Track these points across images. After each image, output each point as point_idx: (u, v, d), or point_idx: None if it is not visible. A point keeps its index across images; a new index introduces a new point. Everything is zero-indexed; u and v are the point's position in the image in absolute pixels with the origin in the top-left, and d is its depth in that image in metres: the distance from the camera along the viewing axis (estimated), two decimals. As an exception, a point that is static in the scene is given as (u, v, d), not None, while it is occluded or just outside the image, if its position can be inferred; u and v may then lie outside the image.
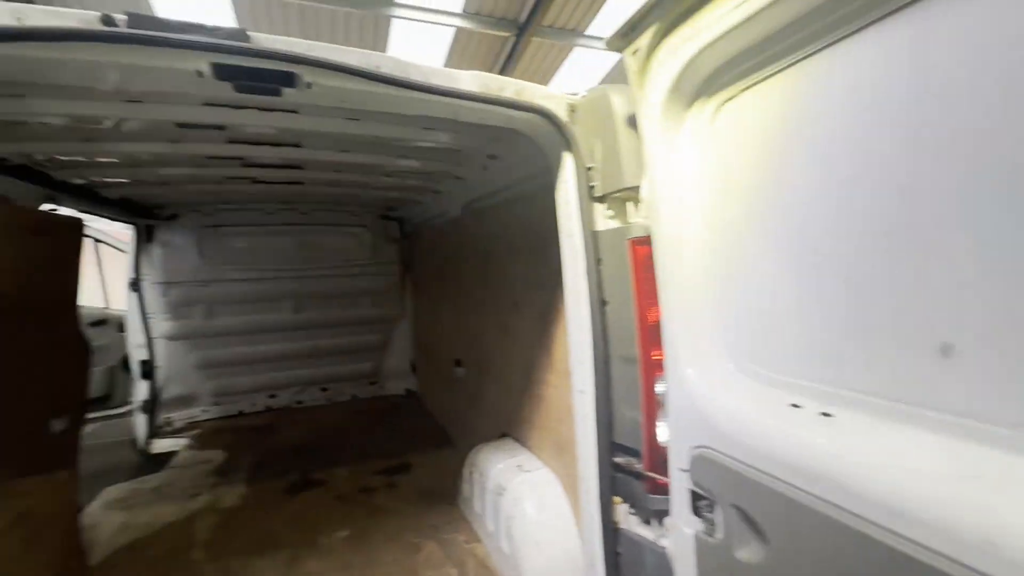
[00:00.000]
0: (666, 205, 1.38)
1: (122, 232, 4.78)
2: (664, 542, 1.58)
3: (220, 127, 2.13)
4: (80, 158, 2.48)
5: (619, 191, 1.63)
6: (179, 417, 4.77)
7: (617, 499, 1.71)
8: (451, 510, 2.93)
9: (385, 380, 5.59)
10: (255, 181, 3.54)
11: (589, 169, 1.71)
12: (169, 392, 4.69)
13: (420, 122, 2.18)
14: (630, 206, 1.65)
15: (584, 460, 1.77)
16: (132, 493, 3.34)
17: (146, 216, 4.37)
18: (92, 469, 3.40)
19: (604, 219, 1.73)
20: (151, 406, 4.54)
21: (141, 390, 4.55)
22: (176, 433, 4.60)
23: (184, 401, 4.80)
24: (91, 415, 3.36)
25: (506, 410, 2.91)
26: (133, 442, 4.57)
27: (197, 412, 4.86)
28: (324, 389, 5.35)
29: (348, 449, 3.99)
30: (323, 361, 5.26)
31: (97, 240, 5.21)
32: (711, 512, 1.27)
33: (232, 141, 2.46)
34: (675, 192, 1.37)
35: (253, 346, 4.95)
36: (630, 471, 1.65)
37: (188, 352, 4.74)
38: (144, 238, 4.49)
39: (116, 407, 4.82)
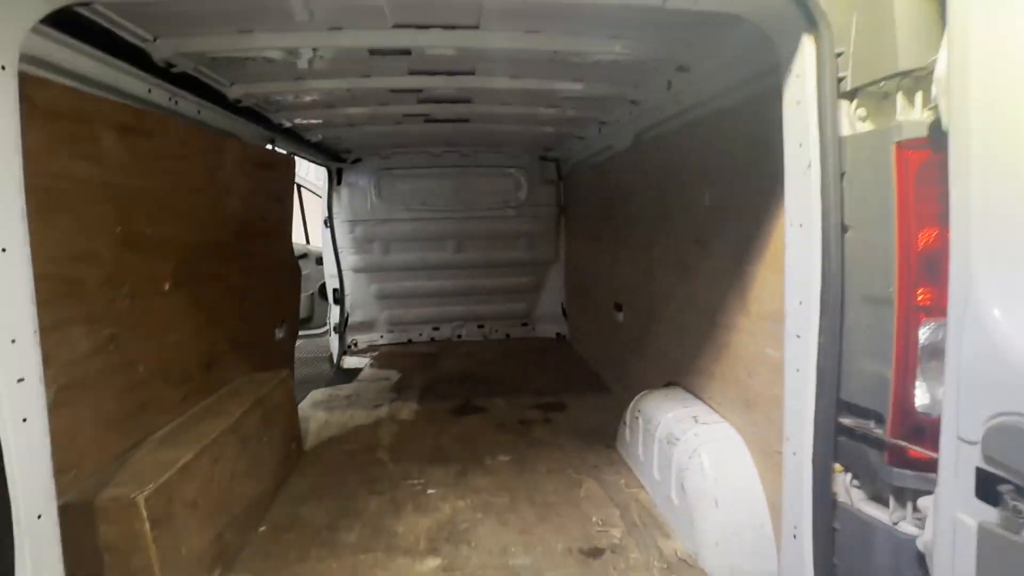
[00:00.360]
0: (983, 87, 0.98)
1: (318, 180, 5.48)
2: (906, 527, 1.27)
3: (406, 51, 2.15)
4: (290, 97, 2.76)
5: (885, 79, 1.23)
6: (362, 340, 5.45)
7: (838, 467, 1.42)
8: (609, 453, 2.86)
9: (536, 322, 5.69)
10: (427, 120, 3.67)
11: (838, 55, 1.32)
12: (355, 317, 5.37)
13: (607, 26, 1.94)
14: (899, 100, 1.24)
15: (794, 417, 1.49)
16: (331, 397, 3.92)
17: (336, 159, 4.88)
18: (301, 376, 4.07)
19: (853, 121, 1.35)
20: (342, 328, 5.25)
21: (334, 314, 5.28)
22: (360, 353, 5.29)
23: (366, 327, 5.45)
24: (299, 333, 3.96)
25: (676, 357, 2.68)
26: (329, 358, 5.38)
27: (376, 337, 5.50)
28: (480, 326, 5.65)
29: (505, 382, 4.15)
30: (480, 299, 5.52)
31: (299, 185, 6.06)
32: (1016, 499, 0.94)
33: (413, 72, 2.52)
34: (1003, 66, 0.96)
35: (420, 281, 5.37)
36: (863, 436, 1.34)
37: (369, 284, 5.33)
38: (335, 181, 5.06)
39: (316, 328, 5.71)
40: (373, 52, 2.13)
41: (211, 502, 1.92)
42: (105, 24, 1.68)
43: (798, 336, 1.46)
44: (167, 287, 2.12)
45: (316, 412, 3.60)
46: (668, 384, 2.72)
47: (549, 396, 3.79)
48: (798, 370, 1.46)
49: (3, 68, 1.20)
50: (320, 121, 3.48)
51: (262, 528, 2.26)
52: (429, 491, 2.52)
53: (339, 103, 3.07)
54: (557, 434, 3.15)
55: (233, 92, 2.53)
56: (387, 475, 2.69)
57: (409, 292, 5.40)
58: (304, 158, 4.20)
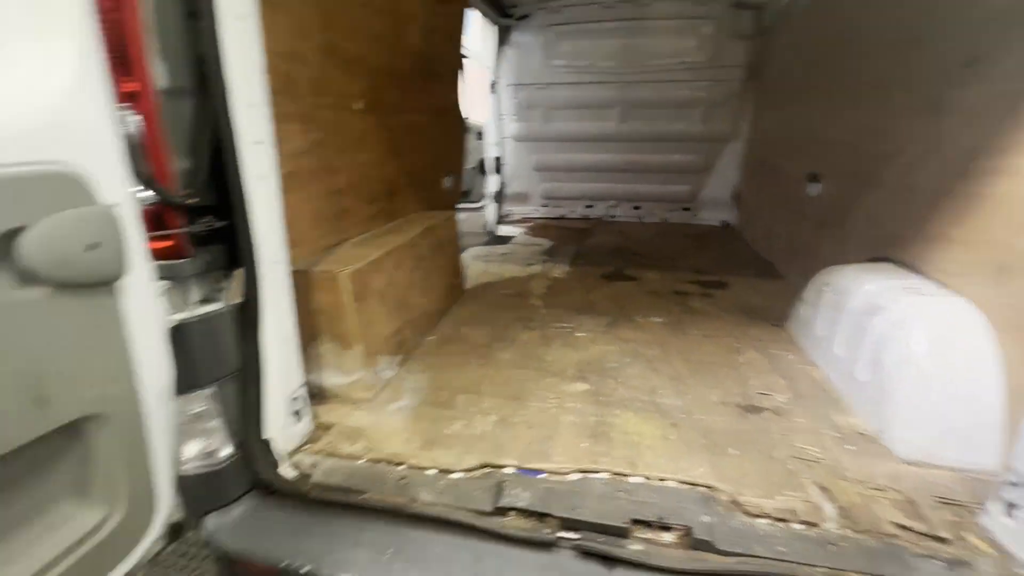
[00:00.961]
0: None
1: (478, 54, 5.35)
2: None
3: None
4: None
5: None
6: (516, 211, 5.58)
7: None
8: (778, 331, 2.58)
9: (699, 208, 5.19)
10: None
11: None
12: (511, 188, 5.46)
13: None
14: None
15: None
16: (488, 253, 4.15)
17: (503, 15, 4.67)
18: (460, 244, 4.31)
19: None
20: (499, 196, 5.41)
21: (492, 183, 5.43)
22: (514, 223, 5.45)
23: (521, 198, 5.54)
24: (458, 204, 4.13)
25: (893, 228, 2.19)
26: (484, 226, 5.65)
27: (530, 210, 5.58)
28: (636, 207, 5.35)
29: (660, 258, 3.95)
30: (639, 177, 5.16)
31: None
32: None
33: None
34: None
35: (579, 154, 5.17)
36: None
37: (528, 154, 5.30)
38: (502, 40, 4.89)
39: (474, 202, 5.98)
40: None
41: (393, 299, 2.20)
42: None
43: None
44: (359, 107, 2.29)
45: (475, 263, 3.85)
46: (872, 260, 2.28)
47: (709, 274, 3.52)
48: None
49: None
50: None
51: (431, 337, 2.56)
52: (578, 334, 2.58)
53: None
54: (716, 307, 2.93)
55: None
56: (539, 316, 2.81)
57: (566, 165, 5.26)
58: (475, 7, 4.07)
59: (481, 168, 5.68)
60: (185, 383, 1.37)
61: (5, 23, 0.91)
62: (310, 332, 1.89)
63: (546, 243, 4.53)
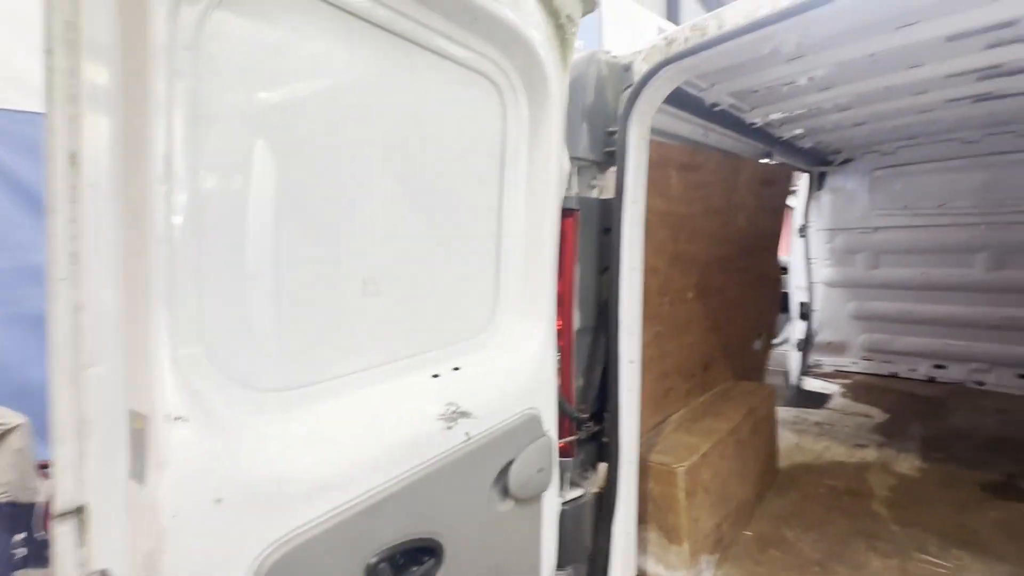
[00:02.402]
0: None
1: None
2: None
3: (1001, 25, 1.69)
4: (805, 110, 2.69)
5: None
6: (827, 362, 4.86)
7: None
8: None
9: None
10: (978, 99, 2.82)
11: None
12: (821, 336, 4.84)
13: None
14: None
15: None
16: (798, 419, 3.69)
17: (820, 163, 4.48)
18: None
19: None
20: (805, 345, 4.84)
21: (798, 329, 4.92)
22: (823, 376, 4.73)
23: (834, 348, 4.82)
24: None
25: None
26: (784, 373, 5.08)
27: (846, 362, 4.79)
28: (1022, 376, 3.98)
29: (1086, 471, 2.77)
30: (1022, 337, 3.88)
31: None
32: None
33: (991, 46, 1.96)
34: None
35: (922, 303, 4.27)
36: None
37: (845, 301, 4.68)
38: (816, 185, 4.67)
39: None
40: (951, 38, 1.78)
41: (716, 492, 2.15)
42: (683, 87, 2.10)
43: None
44: (690, 296, 2.50)
45: (783, 431, 3.46)
46: None
47: None
48: None
49: (642, 136, 1.67)
50: (819, 128, 3.26)
51: (748, 532, 2.36)
52: (961, 582, 1.98)
53: (856, 104, 2.77)
54: None
55: (750, 116, 2.70)
56: (889, 535, 2.28)
57: (902, 315, 4.39)
58: (792, 166, 4.06)
59: (782, 305, 5.26)
60: (557, 560, 1.62)
61: (510, 311, 1.39)
62: (639, 517, 2.01)
63: (877, 414, 3.76)
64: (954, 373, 4.26)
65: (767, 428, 2.73)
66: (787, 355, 5.08)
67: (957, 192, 3.99)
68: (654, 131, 2.21)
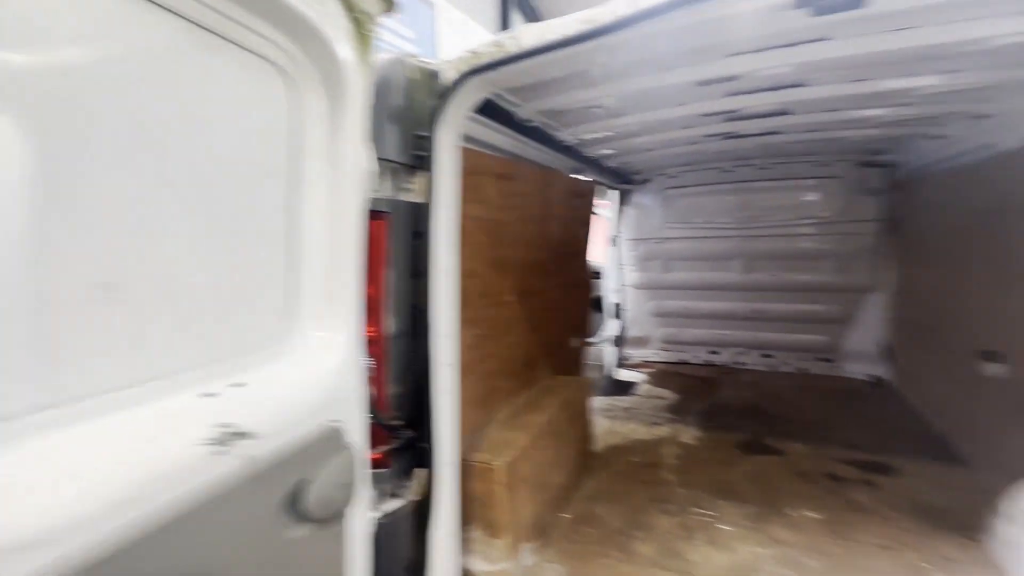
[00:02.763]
0: None
1: (599, 201, 5.91)
2: None
3: (732, 78, 2.15)
4: (607, 133, 3.07)
5: None
6: (636, 354, 5.60)
7: None
8: (974, 550, 2.19)
9: (843, 360, 4.79)
10: (727, 137, 3.55)
11: None
12: (630, 332, 5.56)
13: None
14: None
15: None
16: (611, 407, 4.16)
17: (626, 182, 5.17)
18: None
19: None
20: (618, 341, 5.51)
21: (612, 327, 5.58)
22: (633, 368, 5.44)
23: (640, 342, 5.58)
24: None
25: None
26: (600, 367, 5.71)
27: (649, 354, 5.57)
28: (767, 355, 5.10)
29: (802, 424, 3.64)
30: (768, 327, 4.99)
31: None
32: None
33: (731, 94, 2.48)
34: None
35: (699, 301, 5.19)
36: None
37: (647, 300, 5.45)
38: (623, 201, 5.36)
39: (590, 338, 6.15)
40: (702, 84, 2.19)
41: (536, 482, 2.30)
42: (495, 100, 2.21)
43: None
44: (510, 299, 2.64)
45: (599, 418, 3.87)
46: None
47: (868, 452, 3.15)
48: None
49: (454, 144, 1.71)
50: (622, 150, 3.76)
51: (566, 515, 2.57)
52: (721, 526, 2.42)
53: (645, 131, 3.25)
54: (884, 503, 2.59)
55: (562, 134, 2.98)
56: (675, 497, 2.70)
57: (687, 311, 5.28)
58: (601, 184, 4.59)
59: (596, 305, 5.92)
60: None
61: (308, 319, 1.30)
62: (464, 516, 2.04)
63: (670, 395, 4.44)
64: (724, 357, 5.26)
65: (582, 417, 3.01)
66: (604, 350, 5.74)
67: (720, 211, 4.95)
68: (474, 141, 2.29)
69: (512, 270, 2.65)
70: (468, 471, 2.02)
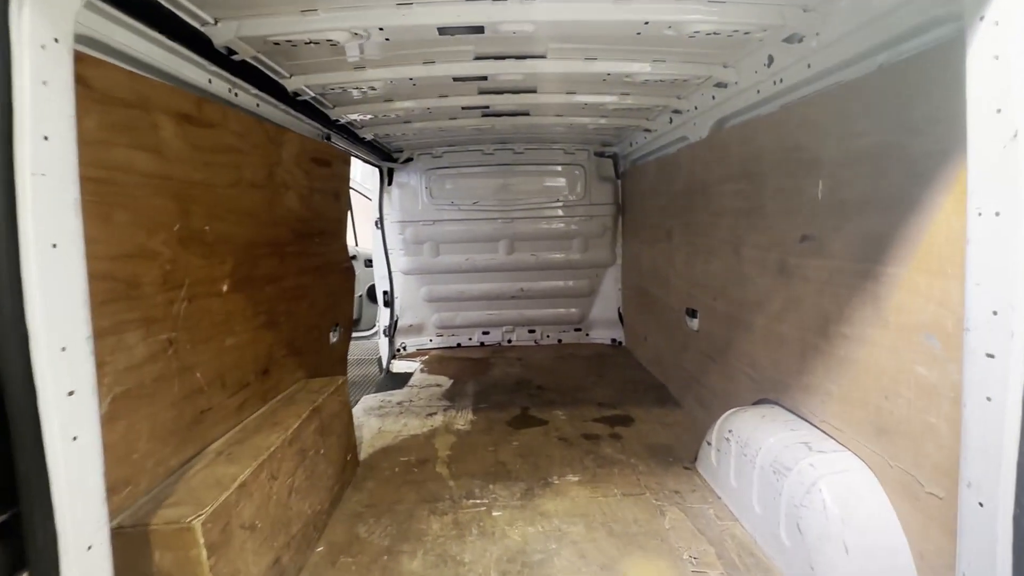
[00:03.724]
0: None
1: (365, 181, 5.43)
2: None
3: (478, 28, 1.96)
4: (349, 89, 2.61)
5: None
6: (411, 343, 5.33)
7: (1051, 526, 1.10)
8: (690, 476, 2.57)
9: (590, 328, 5.41)
10: (485, 114, 3.49)
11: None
12: (404, 320, 5.25)
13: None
14: None
15: (978, 457, 1.18)
16: (383, 403, 3.78)
17: (387, 159, 4.78)
18: (350, 379, 3.93)
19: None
20: (391, 331, 5.14)
21: (383, 317, 5.18)
22: (409, 357, 5.16)
23: (415, 330, 5.33)
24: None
25: (772, 373, 2.36)
26: (378, 360, 5.28)
27: (425, 341, 5.37)
28: (531, 331, 5.42)
29: (562, 391, 3.91)
30: (531, 304, 5.30)
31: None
32: None
33: (479, 57, 2.33)
34: None
35: (470, 284, 5.20)
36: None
37: (419, 286, 5.21)
38: (386, 181, 4.96)
39: (364, 330, 5.64)
40: (443, 31, 1.94)
41: (269, 522, 1.77)
42: (166, 4, 1.56)
43: (990, 356, 1.15)
44: (225, 288, 2.00)
45: (369, 419, 3.46)
46: (761, 401, 2.41)
47: (613, 408, 3.52)
48: (989, 399, 1.15)
49: (56, 41, 1.06)
50: (376, 116, 3.35)
51: (320, 548, 2.10)
52: (494, 513, 2.31)
53: (398, 96, 2.92)
54: (627, 452, 2.88)
55: (292, 84, 2.41)
56: (447, 492, 2.49)
57: (459, 295, 5.24)
58: (357, 157, 4.10)
59: (370, 295, 5.44)
60: None
61: None
62: (145, 607, 1.40)
63: (445, 381, 4.30)
64: (495, 336, 5.41)
65: (340, 424, 2.56)
66: (378, 343, 5.30)
67: (483, 192, 5.00)
68: (129, 60, 1.59)
69: (226, 250, 2.01)
70: (145, 542, 1.38)
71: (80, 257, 1.14)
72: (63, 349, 1.08)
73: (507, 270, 5.15)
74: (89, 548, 1.13)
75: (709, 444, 2.50)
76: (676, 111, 3.20)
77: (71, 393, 1.10)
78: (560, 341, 5.40)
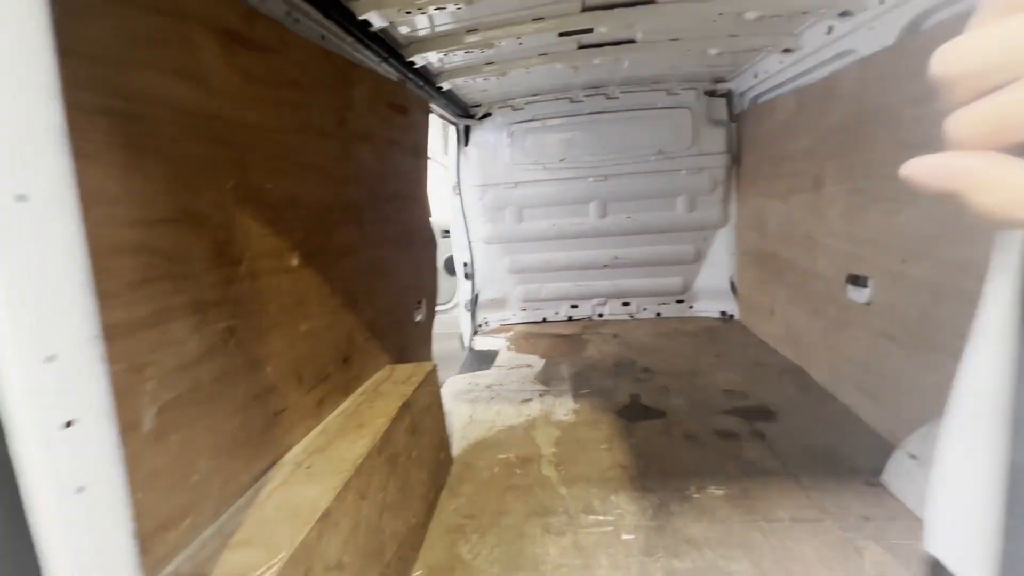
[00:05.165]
0: None
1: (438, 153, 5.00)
2: None
3: None
4: (427, 22, 2.13)
5: None
6: (493, 319, 4.94)
7: None
8: (878, 495, 1.95)
9: (694, 299, 4.73)
10: (581, 46, 2.89)
11: None
12: (485, 295, 4.86)
13: None
14: None
15: None
16: (471, 386, 3.42)
17: (464, 115, 4.30)
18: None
19: None
20: (473, 306, 4.78)
21: (463, 290, 4.82)
22: (492, 333, 4.79)
23: (497, 304, 4.93)
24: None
25: None
26: (460, 337, 4.96)
27: (508, 316, 4.96)
28: (626, 303, 4.84)
29: (675, 375, 3.34)
30: (626, 273, 4.70)
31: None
32: None
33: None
34: None
35: (557, 252, 4.69)
36: None
37: (501, 256, 4.77)
38: (463, 141, 4.50)
39: (442, 304, 5.33)
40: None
41: (360, 555, 1.41)
42: None
43: None
44: (295, 263, 1.63)
45: (458, 405, 3.11)
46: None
47: (744, 398, 2.92)
48: None
49: None
50: (456, 57, 2.86)
51: (416, 573, 1.75)
52: (624, 536, 1.84)
53: (483, 24, 2.40)
54: (780, 456, 2.29)
55: (362, 8, 1.96)
56: (561, 504, 2.06)
57: (544, 265, 4.74)
58: (434, 105, 3.65)
59: (447, 267, 5.10)
60: None
61: None
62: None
63: (536, 361, 3.87)
64: (584, 310, 4.89)
65: (431, 419, 2.19)
66: (459, 318, 4.97)
67: (571, 148, 4.40)
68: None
69: (299, 216, 1.63)
70: (210, 594, 1.05)
71: (72, 216, 0.74)
72: (49, 359, 0.70)
73: (599, 235, 4.56)
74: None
75: (913, 457, 1.86)
76: (846, 12, 2.41)
77: (68, 424, 0.72)
78: (659, 315, 4.77)
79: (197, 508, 1.19)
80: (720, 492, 2.06)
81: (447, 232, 4.95)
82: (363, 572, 1.43)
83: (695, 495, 2.05)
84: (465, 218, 4.65)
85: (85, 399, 0.71)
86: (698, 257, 4.58)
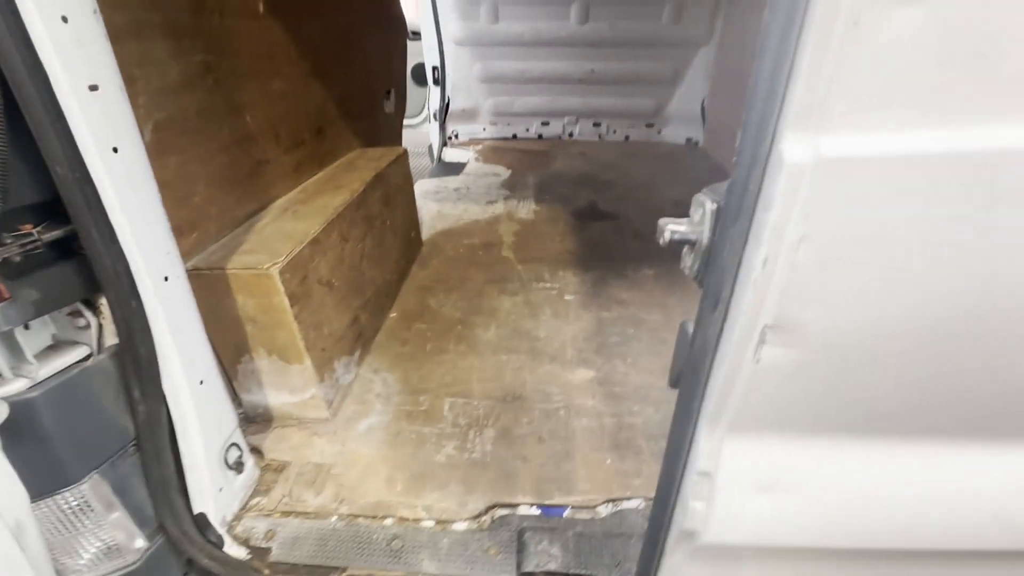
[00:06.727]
0: None
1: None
2: None
3: None
4: None
5: None
6: (463, 131, 4.88)
7: None
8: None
9: (664, 124, 4.76)
10: None
11: None
12: (455, 103, 4.72)
13: None
14: None
15: None
16: (439, 188, 3.58)
17: None
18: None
19: None
20: (443, 115, 4.67)
21: (433, 98, 4.65)
22: (462, 146, 4.78)
23: (467, 116, 4.82)
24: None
25: None
26: (429, 150, 4.93)
27: (478, 129, 4.90)
28: (596, 124, 4.83)
29: (633, 188, 3.57)
30: (600, 91, 4.59)
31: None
32: None
33: None
34: None
35: (532, 61, 4.46)
36: None
37: (473, 62, 4.51)
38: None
39: (411, 117, 5.15)
40: None
41: (345, 281, 1.70)
42: None
43: None
44: (261, 8, 1.59)
45: (426, 203, 3.30)
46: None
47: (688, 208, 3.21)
48: None
49: None
50: None
51: (393, 314, 2.11)
52: (567, 297, 2.23)
53: None
54: (707, 251, 2.65)
55: None
56: (516, 276, 2.41)
57: (518, 75, 4.54)
58: None
59: (415, 76, 4.83)
60: (45, 484, 0.89)
61: None
62: (237, 344, 1.40)
63: (503, 171, 4.00)
64: (554, 129, 4.87)
65: (403, 197, 2.37)
66: (429, 132, 4.88)
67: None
68: None
69: (255, -45, 1.54)
70: (227, 285, 1.30)
71: None
72: (63, 19, 0.79)
73: (577, 44, 4.33)
74: (166, 279, 1.01)
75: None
76: None
77: (93, 87, 0.84)
78: (627, 138, 4.83)
79: (202, 226, 1.38)
80: (651, 272, 2.44)
81: (417, 34, 4.55)
82: (348, 298, 1.73)
83: (630, 273, 2.42)
84: (436, 15, 4.26)
85: (103, 66, 0.82)
86: (675, 77, 4.49)
